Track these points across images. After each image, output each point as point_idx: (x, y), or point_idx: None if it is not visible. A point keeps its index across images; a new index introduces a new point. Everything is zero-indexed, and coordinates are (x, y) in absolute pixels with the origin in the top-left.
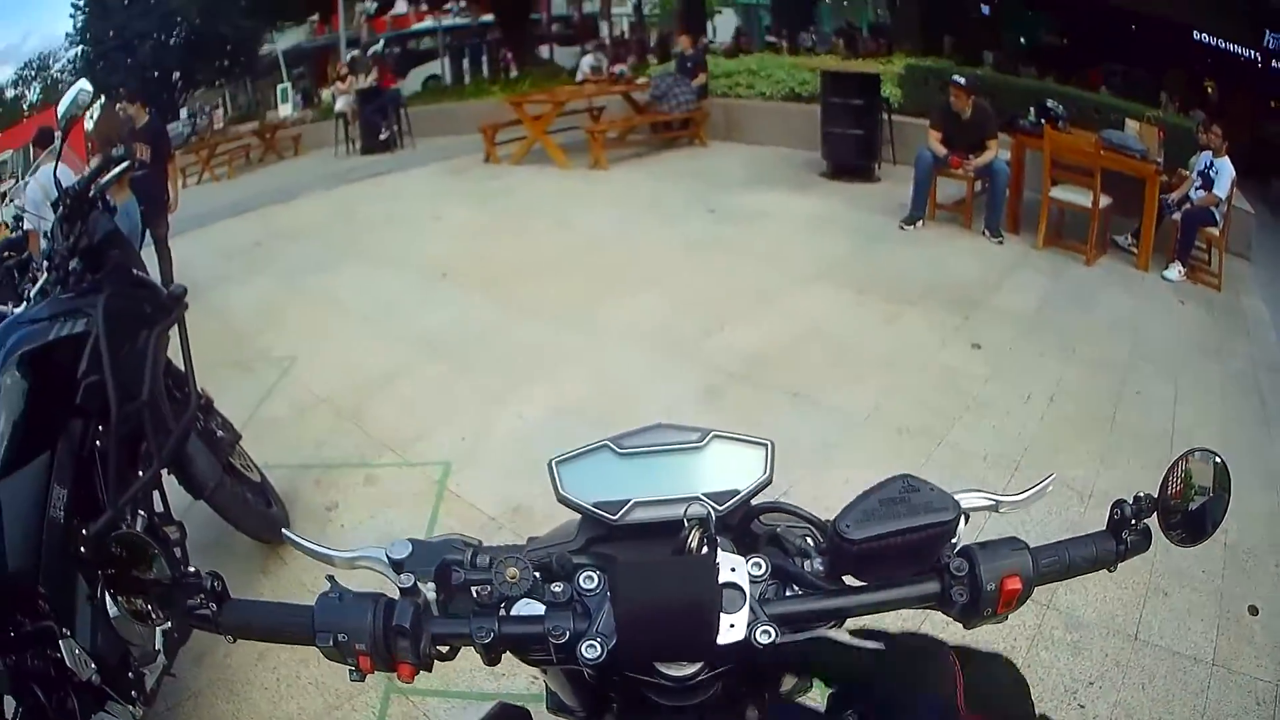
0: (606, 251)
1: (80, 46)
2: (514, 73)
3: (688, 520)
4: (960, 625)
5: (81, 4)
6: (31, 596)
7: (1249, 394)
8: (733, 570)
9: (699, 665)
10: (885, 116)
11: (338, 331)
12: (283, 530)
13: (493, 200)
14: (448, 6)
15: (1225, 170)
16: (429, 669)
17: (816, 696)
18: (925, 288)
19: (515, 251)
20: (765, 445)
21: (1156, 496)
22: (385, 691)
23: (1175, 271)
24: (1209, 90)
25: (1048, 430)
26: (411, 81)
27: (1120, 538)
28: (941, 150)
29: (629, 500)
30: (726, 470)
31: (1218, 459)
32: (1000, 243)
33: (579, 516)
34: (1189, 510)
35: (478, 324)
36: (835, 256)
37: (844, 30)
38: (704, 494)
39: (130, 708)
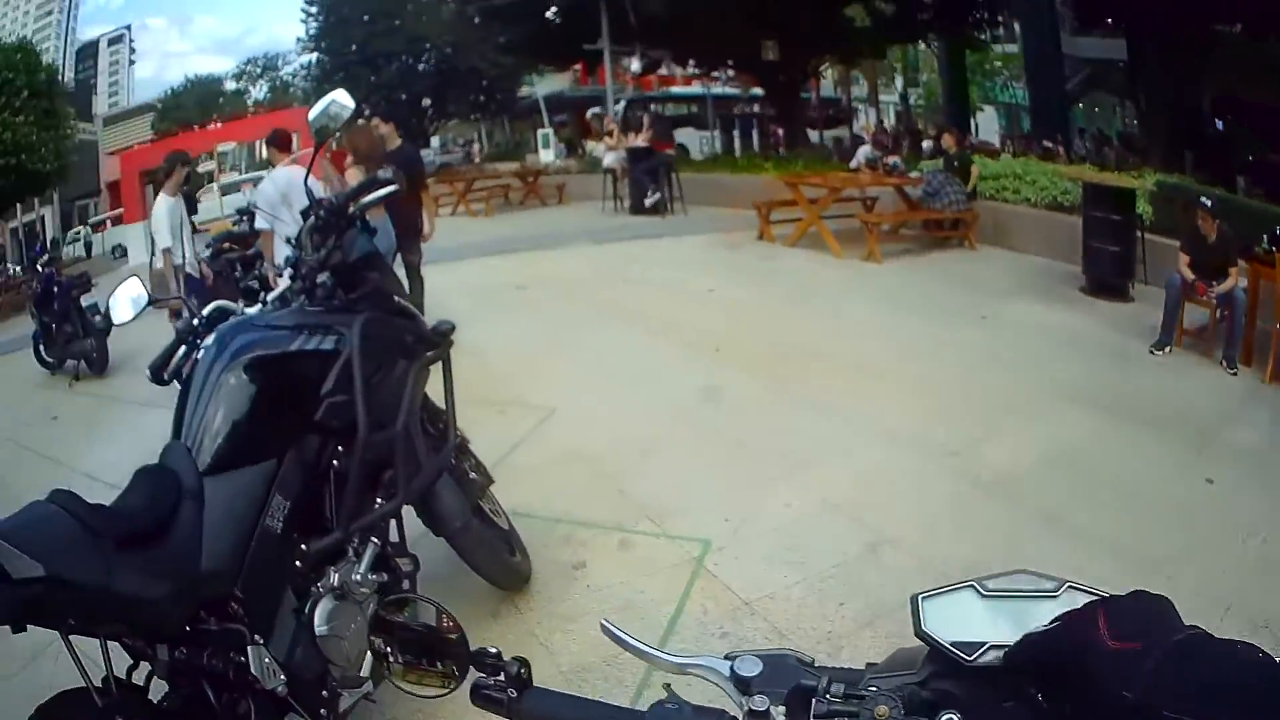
0: (871, 345)
1: (315, 54)
2: (783, 150)
3: None
4: None
5: (314, 11)
6: (224, 598)
7: None
8: None
9: None
10: (1139, 233)
11: (600, 390)
12: (602, 622)
13: (767, 280)
14: (716, 75)
15: None
16: None
17: None
18: (1162, 417)
19: (788, 335)
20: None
21: None
22: None
23: None
24: None
25: (1266, 572)
26: None
27: None
28: (1190, 275)
29: (986, 643)
30: None
31: None
32: (1235, 374)
33: (918, 646)
34: None
35: (746, 403)
36: (1087, 379)
37: (1096, 138)
38: None
39: None
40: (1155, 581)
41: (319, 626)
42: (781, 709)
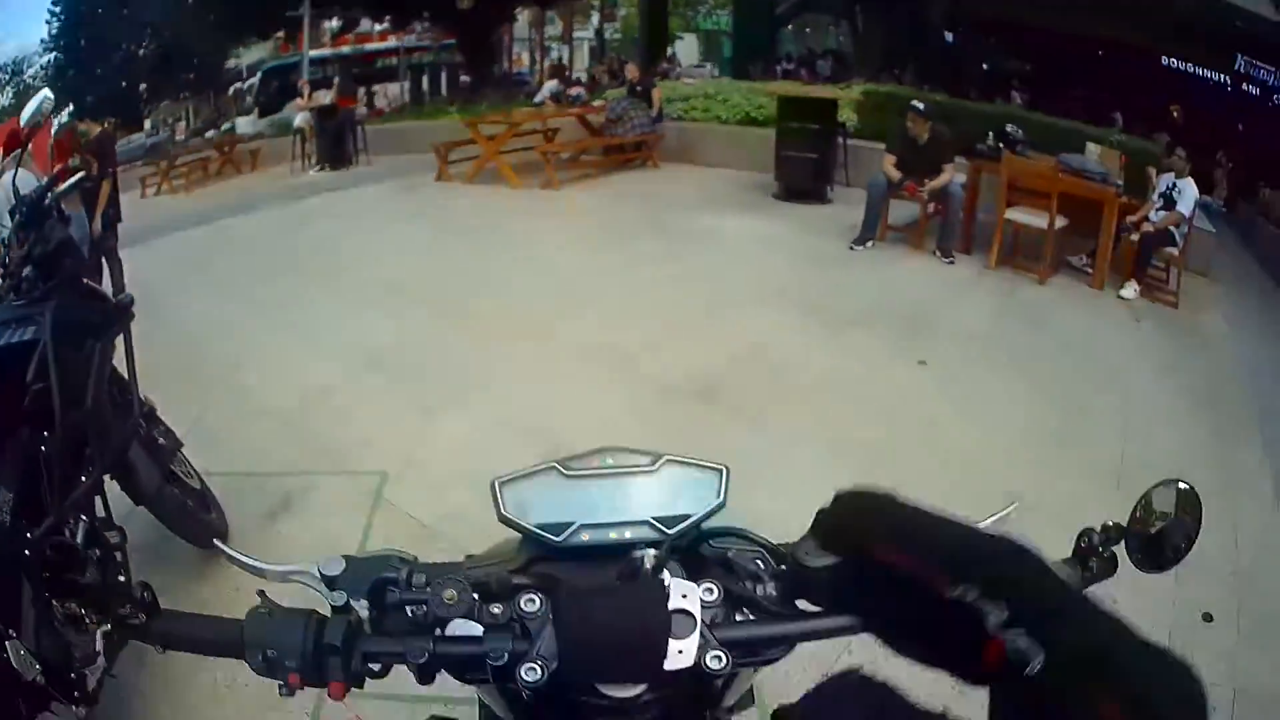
0: (553, 270)
1: (54, 53)
2: (472, 95)
3: (636, 545)
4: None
5: (57, 10)
6: None
7: (1204, 407)
8: (684, 597)
9: (643, 687)
10: (841, 140)
11: (285, 343)
12: (215, 541)
13: (444, 218)
14: (412, 27)
15: (1189, 191)
16: (360, 686)
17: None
18: (873, 308)
19: (464, 269)
20: (720, 470)
21: (1125, 525)
22: (319, 693)
23: (1131, 290)
24: (1174, 114)
25: (993, 446)
26: None
27: (1087, 565)
28: (896, 175)
29: (574, 523)
30: (679, 495)
31: (1185, 486)
32: (951, 263)
33: (520, 536)
34: (1155, 537)
35: (423, 339)
36: (784, 277)
37: (804, 58)
38: (654, 518)
39: (74, 708)
40: (870, 465)
41: (58, 612)
42: (364, 602)
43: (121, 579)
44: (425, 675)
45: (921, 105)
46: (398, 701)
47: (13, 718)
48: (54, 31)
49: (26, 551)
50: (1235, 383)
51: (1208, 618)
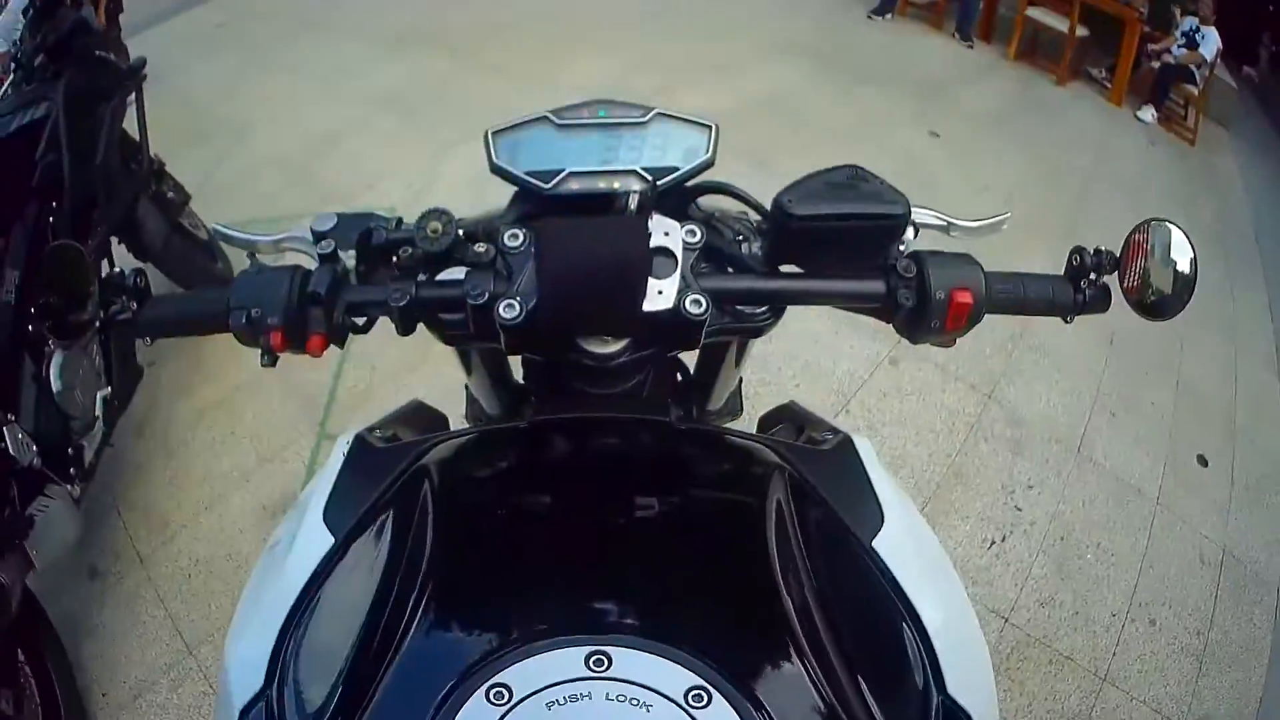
0: (565, 12)
1: None
2: None
3: (623, 190)
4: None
5: None
6: None
7: (1212, 246)
8: (665, 234)
9: (623, 343)
10: None
11: (297, 96)
12: (214, 225)
13: None
14: None
15: (1211, 37)
16: (341, 343)
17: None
18: (888, 74)
19: (476, 15)
20: (710, 126)
21: (1118, 256)
22: (318, 439)
23: (1149, 114)
24: None
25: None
26: None
27: (1079, 286)
28: None
29: (564, 170)
30: (669, 149)
31: (1176, 227)
32: (970, 46)
33: (512, 195)
34: (1148, 278)
35: (432, 83)
36: (798, 33)
37: None
38: (642, 168)
39: (69, 487)
40: None
41: (54, 383)
42: (352, 252)
43: (115, 270)
44: (406, 324)
45: None
46: None
47: (4, 505)
48: None
49: (30, 328)
50: (1242, 227)
51: (1203, 461)
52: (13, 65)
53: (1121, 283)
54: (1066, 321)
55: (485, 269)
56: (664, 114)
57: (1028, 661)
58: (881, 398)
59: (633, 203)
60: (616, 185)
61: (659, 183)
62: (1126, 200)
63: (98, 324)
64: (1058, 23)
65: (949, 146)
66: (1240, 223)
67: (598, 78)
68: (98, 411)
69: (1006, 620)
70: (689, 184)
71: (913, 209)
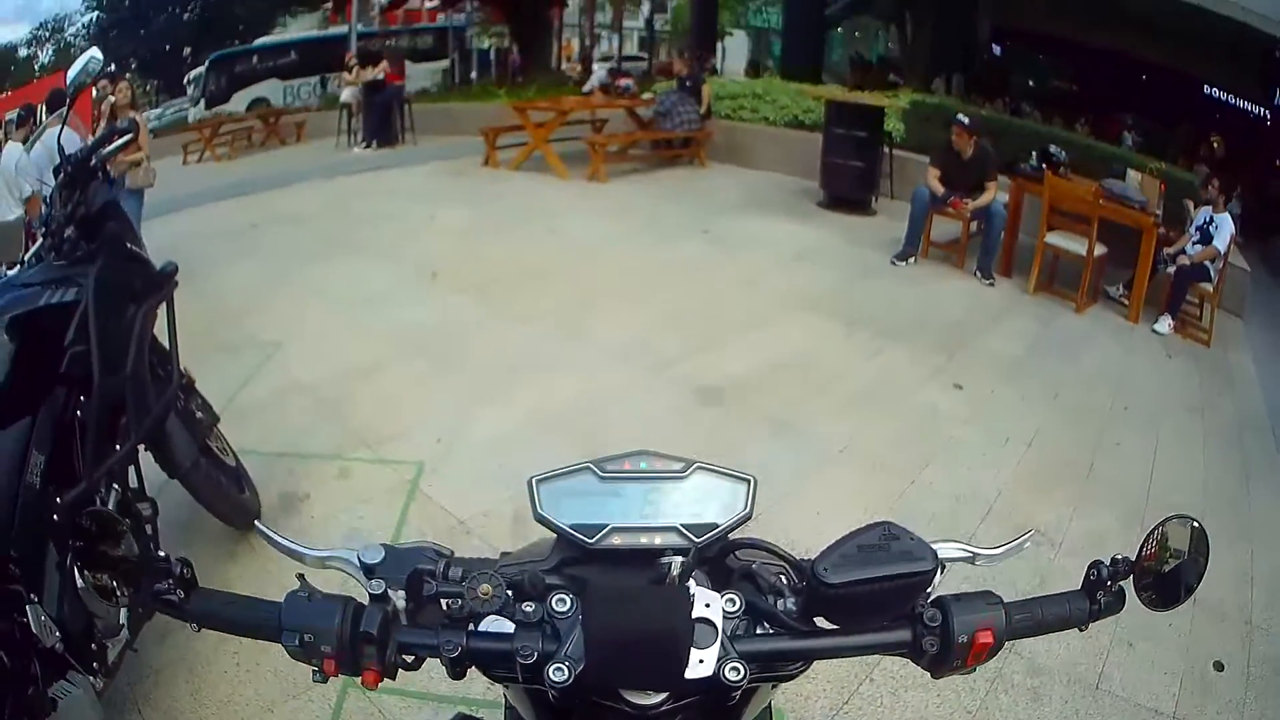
0: (597, 265)
1: (95, 13)
2: (520, 78)
3: (665, 551)
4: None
5: None
6: (2, 560)
7: (1230, 449)
8: (707, 606)
9: (664, 696)
10: (887, 150)
11: (325, 321)
12: (255, 523)
13: (489, 204)
14: (461, 6)
15: (1225, 226)
16: (393, 677)
17: None
18: (912, 325)
19: (507, 257)
20: (748, 480)
21: (1134, 560)
22: (344, 686)
23: (1165, 325)
24: (1215, 145)
25: (1023, 475)
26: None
27: (1095, 598)
28: (940, 189)
29: (607, 525)
30: (707, 502)
31: (1195, 524)
32: (991, 285)
33: (554, 535)
34: (1164, 574)
35: (463, 325)
36: (824, 287)
37: (854, 60)
38: (682, 525)
39: (91, 679)
40: (901, 486)
41: (79, 580)
42: (401, 593)
43: (162, 554)
44: (457, 670)
45: (967, 119)
46: (421, 700)
47: (28, 683)
48: None
49: (55, 516)
50: (1258, 418)
51: (1219, 666)
52: (43, 230)
53: (1136, 584)
54: (1081, 630)
55: (533, 628)
56: (703, 467)
57: None
58: (903, 663)
59: (675, 569)
60: (658, 541)
61: (699, 541)
62: (1143, 426)
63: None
64: (1077, 245)
65: (971, 399)
66: (1256, 414)
67: (626, 334)
68: (122, 619)
69: None
70: (729, 538)
71: (939, 545)
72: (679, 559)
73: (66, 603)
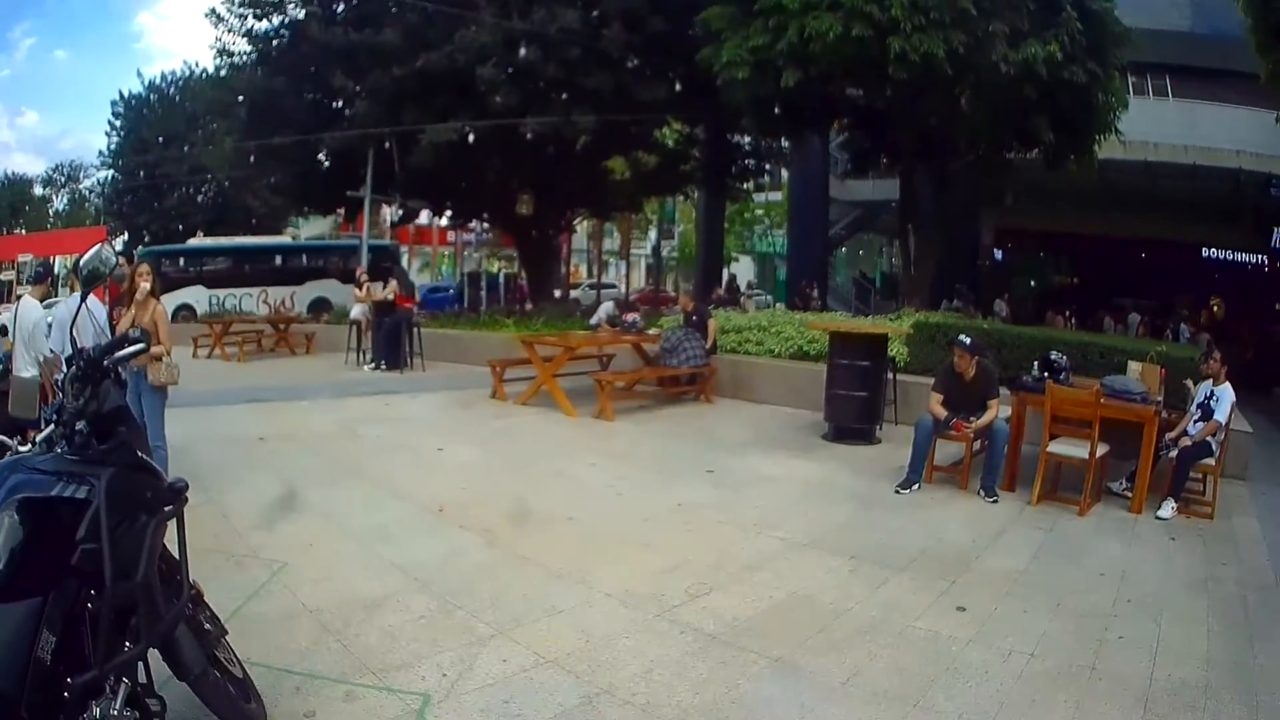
0: (603, 507)
1: (111, 171)
2: (528, 306)
3: None
4: None
5: (118, 126)
6: (15, 718)
7: (1235, 614)
8: None
9: None
10: (891, 376)
11: (331, 546)
12: None
13: (497, 440)
14: (471, 226)
15: (1225, 397)
16: None
17: None
18: (916, 553)
19: (513, 496)
20: None
21: None
22: None
23: (1169, 509)
24: (1215, 309)
25: (1025, 685)
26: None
27: None
28: (942, 414)
29: None
30: None
31: None
32: (995, 501)
33: None
34: None
35: (467, 564)
36: (828, 524)
37: (857, 281)
38: None
39: None
40: (903, 710)
41: None
42: None
43: None
44: None
45: (968, 340)
46: None
47: None
48: (112, 146)
49: (65, 695)
50: (1263, 578)
51: None
52: (55, 417)
53: None
54: None
55: None
56: None
57: None
58: None
59: None
60: None
61: None
62: (1147, 618)
63: None
64: (1079, 450)
65: (974, 619)
66: (1260, 574)
67: (630, 577)
68: None
69: None
70: None
71: None
72: None
73: None
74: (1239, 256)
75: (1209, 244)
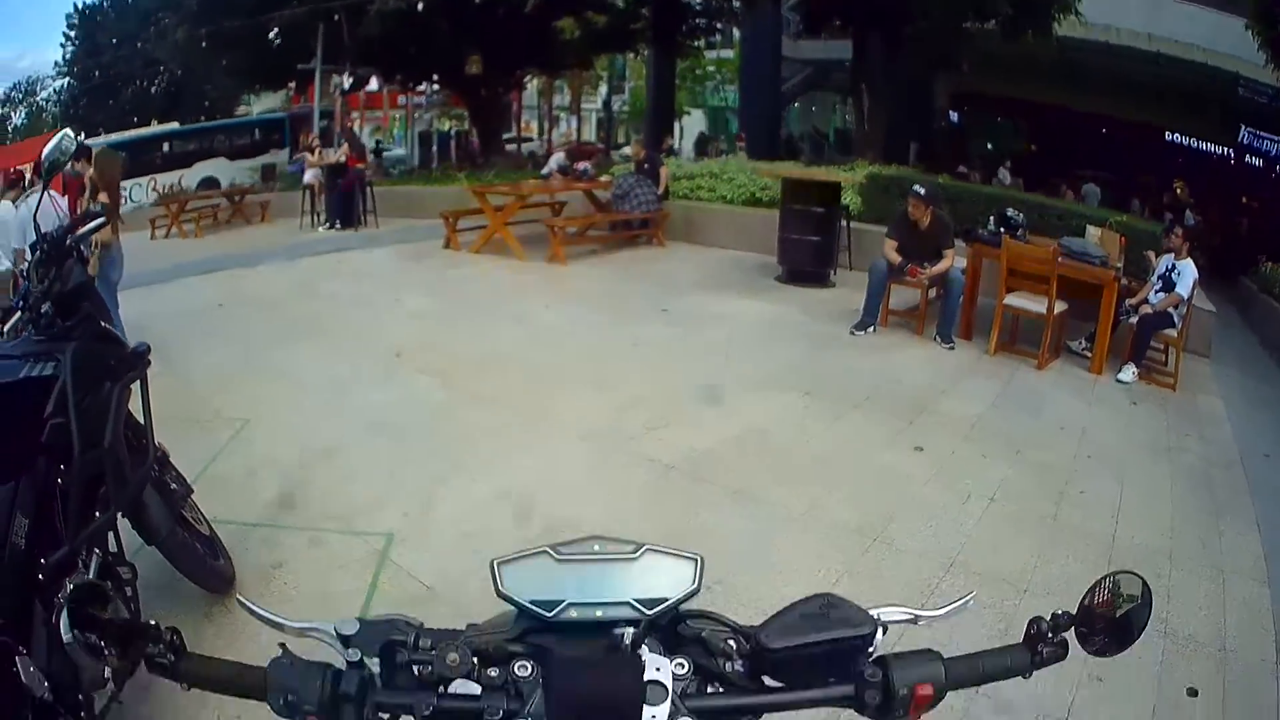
0: (558, 347)
1: (67, 79)
2: (480, 161)
3: (618, 623)
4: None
5: (74, 35)
6: None
7: (1199, 489)
8: (657, 670)
9: None
10: (844, 224)
11: (292, 401)
12: (237, 597)
13: (451, 288)
14: (421, 89)
15: (1188, 272)
16: None
17: None
18: (872, 392)
19: (469, 340)
20: (695, 560)
21: (1075, 613)
22: None
23: (1129, 373)
24: (1179, 191)
25: (986, 529)
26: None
27: (1036, 650)
28: (896, 259)
29: (564, 601)
30: (658, 580)
31: (1134, 576)
32: (951, 349)
33: (516, 614)
34: (1104, 625)
35: (427, 407)
36: (784, 360)
37: (811, 136)
38: (634, 599)
39: None
40: (863, 544)
41: (65, 635)
42: (376, 660)
43: (152, 624)
44: None
45: (923, 189)
46: None
47: None
48: (68, 56)
49: (40, 576)
50: (1227, 454)
51: (1192, 693)
52: (19, 303)
53: (1078, 634)
54: (1025, 678)
55: (498, 690)
56: (652, 549)
57: None
58: None
59: (628, 638)
60: (613, 615)
61: (651, 613)
62: (1108, 473)
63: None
64: (1037, 305)
65: (932, 459)
66: (1225, 452)
67: (588, 414)
68: (107, 674)
69: None
70: (679, 609)
71: (881, 610)
72: (631, 629)
73: (54, 657)
74: (1205, 146)
75: (1174, 130)
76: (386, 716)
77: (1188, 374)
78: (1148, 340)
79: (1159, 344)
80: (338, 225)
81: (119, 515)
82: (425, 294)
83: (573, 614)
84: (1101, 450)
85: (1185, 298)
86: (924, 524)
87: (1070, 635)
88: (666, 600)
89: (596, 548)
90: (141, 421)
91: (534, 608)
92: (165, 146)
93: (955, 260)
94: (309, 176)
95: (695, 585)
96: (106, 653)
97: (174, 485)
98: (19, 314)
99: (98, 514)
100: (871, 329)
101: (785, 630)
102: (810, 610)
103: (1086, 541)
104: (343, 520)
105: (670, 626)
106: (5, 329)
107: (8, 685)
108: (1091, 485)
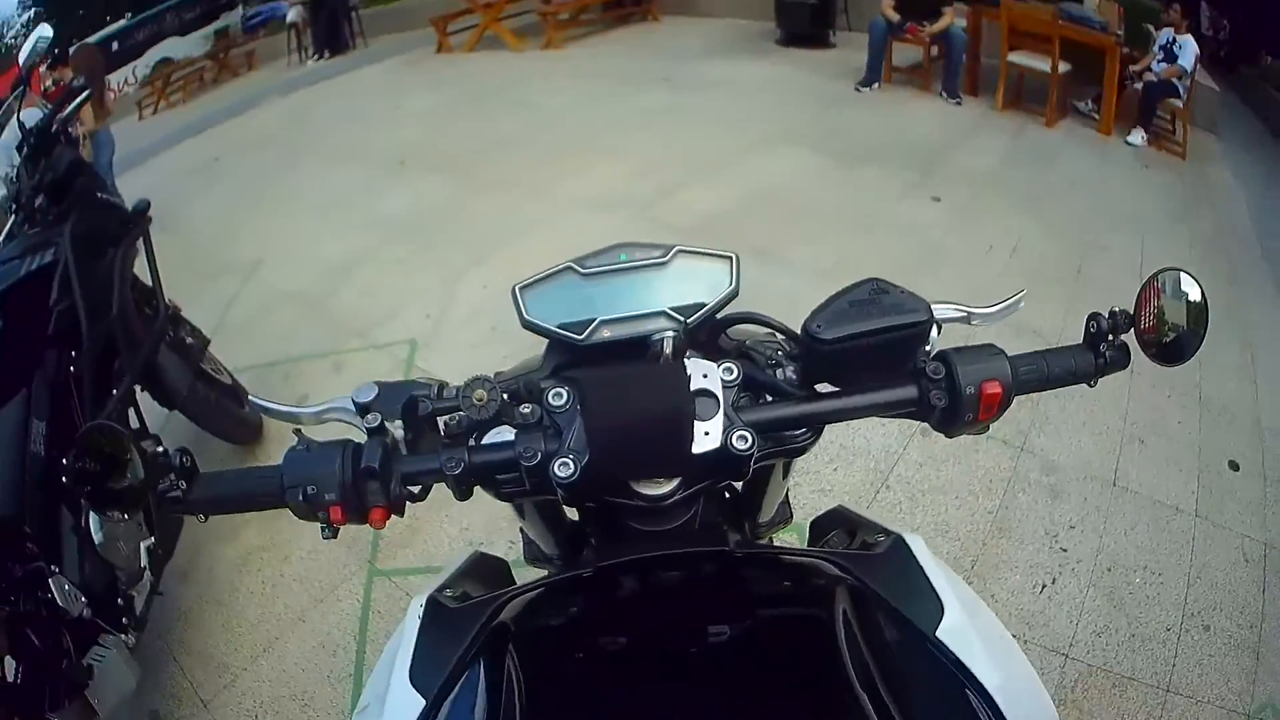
0: (563, 126)
1: (33, 9)
2: None
3: (656, 334)
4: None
5: None
6: (20, 538)
7: (1217, 255)
8: (704, 376)
9: (675, 483)
10: None
11: (302, 230)
12: (250, 397)
13: (449, 87)
14: None
15: (1189, 46)
16: (400, 512)
17: (794, 536)
18: (883, 147)
19: (474, 133)
20: (730, 257)
21: (1132, 313)
22: (369, 576)
23: (1139, 137)
24: None
25: (1011, 279)
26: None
27: (1099, 351)
28: (895, 16)
29: (595, 319)
30: (693, 285)
31: (1187, 274)
32: (959, 104)
33: (544, 347)
34: (1166, 327)
35: (438, 204)
36: (789, 119)
37: None
38: (670, 308)
39: (123, 636)
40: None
41: (95, 535)
42: (398, 422)
43: (160, 449)
44: (462, 489)
45: None
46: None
47: (61, 657)
48: None
49: (64, 479)
50: (1243, 230)
51: (1234, 466)
52: (12, 206)
53: (1139, 338)
54: (1090, 385)
55: (533, 429)
56: (684, 250)
57: (1091, 689)
58: (918, 468)
59: (668, 347)
60: (649, 328)
61: (689, 320)
62: (1127, 230)
63: (149, 499)
64: (1040, 63)
65: (951, 210)
66: (1240, 225)
67: (600, 186)
68: (144, 562)
69: (1067, 656)
70: (718, 316)
71: (934, 306)
72: (670, 334)
73: (87, 563)
74: None
75: None
76: (417, 489)
77: (1196, 148)
78: (1154, 106)
79: (1165, 113)
80: (326, 54)
81: (138, 389)
82: (425, 97)
83: (605, 333)
84: (1118, 208)
85: (1188, 70)
86: (949, 274)
87: (1131, 339)
88: (705, 305)
89: (623, 256)
90: (150, 285)
91: (563, 332)
92: (114, 45)
93: (955, 19)
94: (291, 15)
95: (734, 286)
96: (124, 518)
97: (190, 339)
98: (13, 218)
99: (115, 391)
100: (876, 86)
101: (836, 319)
102: (860, 296)
103: (1113, 296)
104: (364, 337)
105: (710, 337)
106: (1, 236)
107: (43, 613)
108: (1112, 241)
